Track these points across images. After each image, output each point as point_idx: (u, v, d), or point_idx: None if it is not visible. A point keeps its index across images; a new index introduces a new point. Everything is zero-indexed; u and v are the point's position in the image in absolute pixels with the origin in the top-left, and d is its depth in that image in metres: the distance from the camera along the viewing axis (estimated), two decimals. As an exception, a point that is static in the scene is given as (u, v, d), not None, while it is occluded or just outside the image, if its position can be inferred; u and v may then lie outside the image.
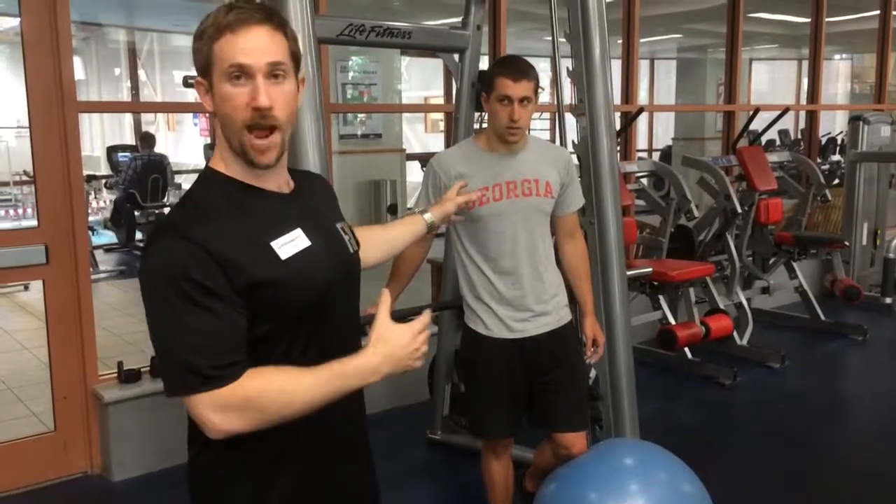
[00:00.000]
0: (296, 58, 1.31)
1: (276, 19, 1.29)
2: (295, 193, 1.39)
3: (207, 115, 1.35)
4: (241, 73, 1.24)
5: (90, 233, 7.69)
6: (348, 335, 1.40)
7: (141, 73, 12.64)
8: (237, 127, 1.26)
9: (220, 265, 1.20)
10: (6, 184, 9.16)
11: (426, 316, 1.32)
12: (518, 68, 2.42)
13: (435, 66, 10.86)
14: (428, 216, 2.01)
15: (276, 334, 1.28)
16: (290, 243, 1.29)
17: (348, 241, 1.45)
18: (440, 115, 11.11)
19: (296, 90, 1.32)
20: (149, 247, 1.26)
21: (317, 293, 1.31)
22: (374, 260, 1.78)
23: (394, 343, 1.26)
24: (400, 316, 1.36)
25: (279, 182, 1.36)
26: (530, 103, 2.44)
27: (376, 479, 1.56)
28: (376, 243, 1.78)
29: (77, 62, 3.02)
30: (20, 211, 8.99)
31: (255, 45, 1.24)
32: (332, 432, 1.38)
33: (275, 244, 1.27)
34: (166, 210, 8.08)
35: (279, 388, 1.22)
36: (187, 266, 1.19)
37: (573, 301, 2.76)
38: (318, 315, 1.32)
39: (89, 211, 8.76)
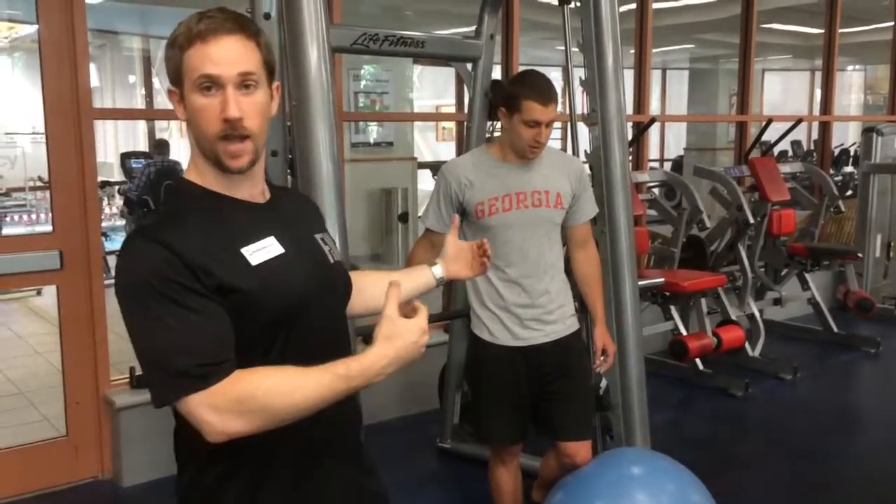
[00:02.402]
0: (269, 67, 1.29)
1: (249, 28, 1.27)
2: (270, 203, 1.37)
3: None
4: (212, 83, 1.22)
5: (103, 238, 7.73)
6: (332, 347, 1.34)
7: (155, 80, 12.72)
8: (209, 137, 1.25)
9: (190, 268, 1.18)
10: (21, 189, 9.22)
11: (424, 309, 1.28)
12: (547, 92, 2.41)
13: (447, 74, 10.88)
14: (437, 270, 1.71)
15: (250, 342, 1.24)
16: (262, 250, 1.27)
17: (328, 252, 1.42)
18: (451, 124, 11.13)
19: (268, 100, 1.30)
20: (120, 256, 1.24)
21: (291, 300, 1.28)
22: (361, 309, 1.59)
23: (401, 342, 1.22)
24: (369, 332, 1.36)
25: (253, 192, 1.34)
26: (553, 123, 2.47)
27: (380, 489, 1.52)
28: (364, 290, 1.58)
29: (92, 69, 3.04)
30: (34, 216, 9.05)
31: (225, 55, 1.22)
32: (320, 445, 1.35)
33: (245, 250, 1.25)
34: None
35: (275, 388, 1.18)
36: (160, 267, 1.17)
37: (584, 310, 2.76)
38: (295, 323, 1.29)
39: (102, 217, 8.80)
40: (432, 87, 13.22)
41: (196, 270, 1.19)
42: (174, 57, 1.25)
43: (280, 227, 1.32)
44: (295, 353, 1.26)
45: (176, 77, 1.26)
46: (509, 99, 2.46)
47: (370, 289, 1.57)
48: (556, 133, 11.03)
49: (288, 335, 1.29)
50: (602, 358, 2.70)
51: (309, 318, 1.31)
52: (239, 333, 1.22)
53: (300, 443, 1.32)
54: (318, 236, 1.43)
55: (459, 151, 6.54)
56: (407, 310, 1.27)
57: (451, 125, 11.27)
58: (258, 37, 1.28)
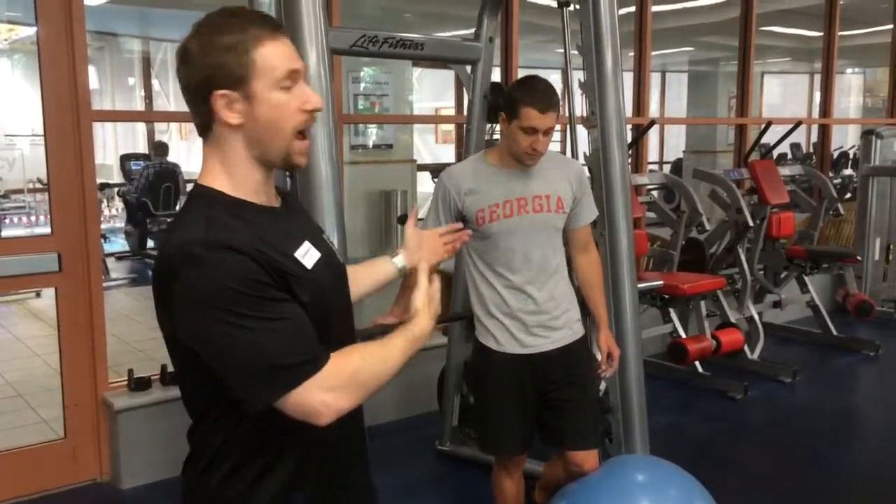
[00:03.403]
0: None
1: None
2: (284, 206, 1.38)
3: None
4: (297, 78, 1.26)
5: (102, 240, 7.73)
6: (345, 342, 1.35)
7: (154, 82, 12.73)
8: (287, 133, 1.26)
9: (263, 266, 1.18)
10: (20, 191, 9.21)
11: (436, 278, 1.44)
12: (546, 99, 2.35)
13: (446, 77, 10.89)
14: (399, 260, 1.71)
15: None
16: (307, 254, 1.30)
17: (336, 251, 1.47)
18: (451, 126, 11.13)
19: None
20: (187, 269, 1.17)
21: (328, 303, 1.33)
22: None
23: (433, 307, 1.38)
24: (369, 335, 1.44)
25: (269, 195, 1.34)
26: (552, 130, 2.42)
27: (372, 484, 1.52)
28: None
29: (91, 71, 3.05)
30: (33, 218, 9.04)
31: (293, 49, 1.28)
32: (334, 440, 1.35)
33: (297, 254, 1.27)
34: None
35: (373, 361, 1.26)
36: (243, 272, 1.16)
37: (586, 314, 2.75)
38: (323, 324, 1.29)
39: (101, 219, 8.79)
40: (431, 90, 13.23)
41: (267, 267, 1.19)
42: (232, 59, 1.22)
43: (304, 232, 1.35)
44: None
45: (238, 79, 1.22)
46: (509, 104, 2.43)
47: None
48: (555, 136, 11.05)
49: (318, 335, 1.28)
50: (607, 363, 2.67)
51: (332, 317, 1.34)
52: None
53: (319, 443, 1.32)
54: (325, 236, 1.45)
55: (459, 154, 6.54)
56: (406, 318, 1.37)
57: (451, 127, 11.27)
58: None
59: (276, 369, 1.17)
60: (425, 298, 1.38)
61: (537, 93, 2.37)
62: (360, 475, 1.46)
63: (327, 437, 1.26)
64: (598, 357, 2.68)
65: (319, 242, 1.37)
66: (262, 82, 1.23)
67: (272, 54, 1.24)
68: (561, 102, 2.56)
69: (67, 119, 3.32)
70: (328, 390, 1.19)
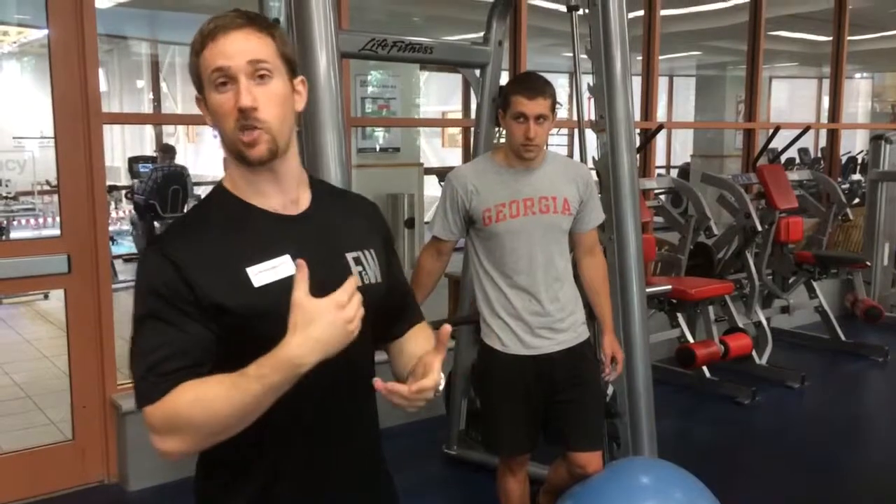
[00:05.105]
0: (286, 59, 1.26)
1: (261, 22, 1.25)
2: (305, 215, 1.30)
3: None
4: (226, 77, 1.20)
5: (110, 242, 7.75)
6: (347, 377, 1.28)
7: (163, 85, 12.76)
8: (229, 132, 1.22)
9: (187, 283, 1.18)
10: (30, 193, 9.25)
11: (350, 281, 1.15)
12: (533, 86, 2.40)
13: (453, 80, 10.89)
14: None
15: (246, 363, 1.13)
16: (271, 270, 1.21)
17: (359, 273, 1.29)
18: (457, 130, 11.14)
19: (288, 91, 1.25)
20: (138, 262, 1.27)
21: (275, 323, 1.13)
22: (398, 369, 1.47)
23: (317, 324, 1.09)
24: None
25: (284, 200, 1.29)
26: (546, 120, 2.42)
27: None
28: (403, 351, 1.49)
29: (100, 74, 3.07)
30: (42, 220, 9.07)
31: (235, 47, 1.20)
32: (323, 462, 1.32)
33: (251, 270, 1.20)
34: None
35: (196, 401, 1.13)
36: (155, 281, 1.19)
37: (592, 317, 2.74)
38: (267, 345, 1.16)
39: (109, 221, 8.81)
40: (438, 93, 13.23)
41: (192, 286, 1.18)
42: (193, 63, 1.24)
43: (303, 245, 1.23)
44: (300, 380, 1.14)
45: (198, 82, 1.25)
46: (502, 99, 2.50)
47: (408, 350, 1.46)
48: (562, 140, 11.04)
49: None
50: (611, 366, 2.68)
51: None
52: (237, 353, 1.15)
53: (302, 460, 1.29)
54: (351, 255, 1.32)
55: (466, 157, 6.54)
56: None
57: (456, 131, 11.28)
58: (272, 30, 1.25)
59: (136, 382, 1.18)
60: (298, 316, 1.10)
61: (525, 81, 2.46)
62: (351, 486, 1.37)
63: (298, 443, 1.26)
64: (603, 360, 2.68)
65: (323, 259, 1.24)
66: (205, 84, 1.23)
67: (210, 54, 1.21)
68: (567, 106, 2.56)
69: (78, 121, 3.33)
70: (153, 430, 1.15)
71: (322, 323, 1.10)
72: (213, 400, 1.12)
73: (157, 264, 1.20)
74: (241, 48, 1.20)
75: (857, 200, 7.23)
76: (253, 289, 1.20)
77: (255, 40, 1.22)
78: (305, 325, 1.10)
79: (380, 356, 1.43)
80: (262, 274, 1.21)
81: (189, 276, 1.18)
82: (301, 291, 1.11)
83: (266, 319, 1.16)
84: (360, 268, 1.31)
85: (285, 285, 1.14)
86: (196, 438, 1.16)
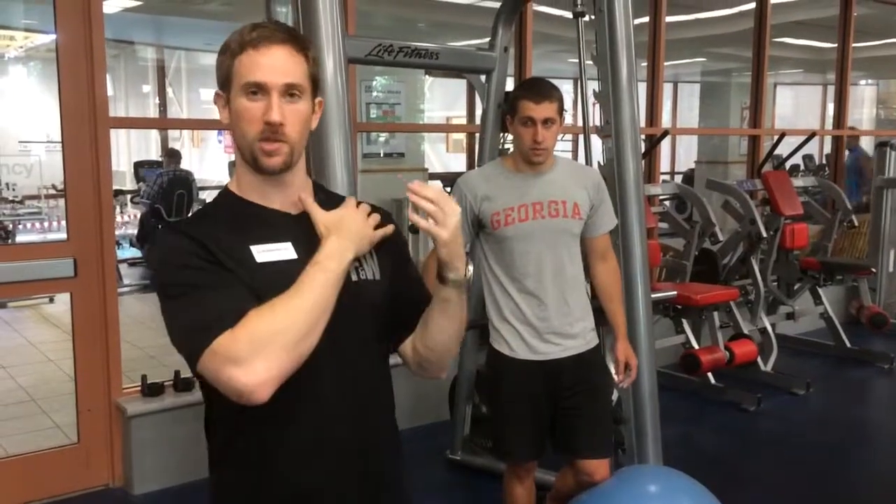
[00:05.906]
0: (314, 80, 1.33)
1: (300, 42, 1.30)
2: (305, 215, 1.34)
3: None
4: (258, 89, 1.26)
5: (116, 247, 7.77)
6: (357, 364, 1.35)
7: (169, 90, 12.81)
8: (249, 138, 1.28)
9: (209, 251, 1.24)
10: (36, 197, 9.28)
11: (364, 205, 1.38)
12: (540, 90, 2.42)
13: (457, 86, 10.90)
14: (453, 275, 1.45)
15: None
16: (273, 251, 1.29)
17: (356, 269, 1.34)
18: (462, 135, 11.16)
19: (310, 111, 1.32)
20: (154, 249, 1.32)
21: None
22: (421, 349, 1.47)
23: (344, 222, 1.30)
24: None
25: (285, 203, 1.35)
26: (554, 124, 2.43)
27: None
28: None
29: (107, 79, 3.08)
30: (46, 224, 9.10)
31: (274, 63, 1.26)
32: (326, 474, 1.33)
33: (254, 248, 1.28)
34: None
35: (270, 308, 1.18)
36: (188, 248, 1.24)
37: (604, 323, 2.73)
38: None
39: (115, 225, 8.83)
40: (442, 99, 13.25)
41: (215, 254, 1.24)
42: (224, 62, 1.29)
43: (303, 239, 1.31)
44: (309, 363, 1.24)
45: (224, 81, 1.30)
46: (510, 105, 2.51)
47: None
48: (568, 146, 11.04)
49: None
50: (625, 373, 2.65)
51: (325, 332, 1.27)
52: None
53: (305, 469, 1.31)
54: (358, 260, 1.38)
55: (470, 163, 6.54)
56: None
57: (461, 136, 11.28)
58: (307, 50, 1.31)
59: (193, 329, 1.20)
60: (326, 222, 1.29)
61: (532, 86, 2.47)
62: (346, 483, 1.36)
63: (304, 451, 1.30)
64: (612, 367, 2.67)
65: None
66: (234, 87, 1.28)
67: (248, 62, 1.26)
68: (572, 112, 2.57)
69: (85, 126, 3.34)
70: (232, 363, 1.15)
71: (347, 220, 1.31)
72: (288, 301, 1.19)
73: (179, 239, 1.26)
74: (280, 67, 1.27)
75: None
76: (255, 264, 1.26)
77: (293, 61, 1.28)
78: (336, 226, 1.29)
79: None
80: (265, 253, 1.28)
81: (209, 247, 1.24)
82: (318, 211, 1.31)
83: (265, 295, 1.21)
84: (356, 263, 1.35)
85: (284, 268, 1.25)
86: (285, 350, 1.17)
